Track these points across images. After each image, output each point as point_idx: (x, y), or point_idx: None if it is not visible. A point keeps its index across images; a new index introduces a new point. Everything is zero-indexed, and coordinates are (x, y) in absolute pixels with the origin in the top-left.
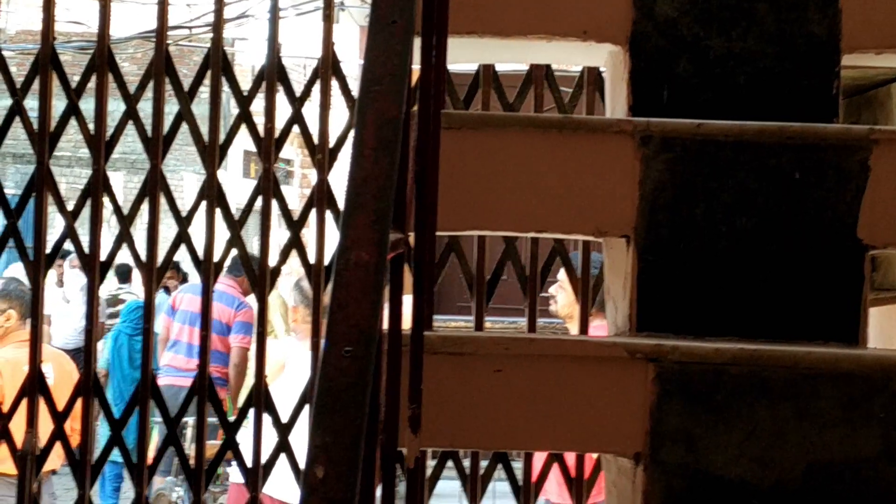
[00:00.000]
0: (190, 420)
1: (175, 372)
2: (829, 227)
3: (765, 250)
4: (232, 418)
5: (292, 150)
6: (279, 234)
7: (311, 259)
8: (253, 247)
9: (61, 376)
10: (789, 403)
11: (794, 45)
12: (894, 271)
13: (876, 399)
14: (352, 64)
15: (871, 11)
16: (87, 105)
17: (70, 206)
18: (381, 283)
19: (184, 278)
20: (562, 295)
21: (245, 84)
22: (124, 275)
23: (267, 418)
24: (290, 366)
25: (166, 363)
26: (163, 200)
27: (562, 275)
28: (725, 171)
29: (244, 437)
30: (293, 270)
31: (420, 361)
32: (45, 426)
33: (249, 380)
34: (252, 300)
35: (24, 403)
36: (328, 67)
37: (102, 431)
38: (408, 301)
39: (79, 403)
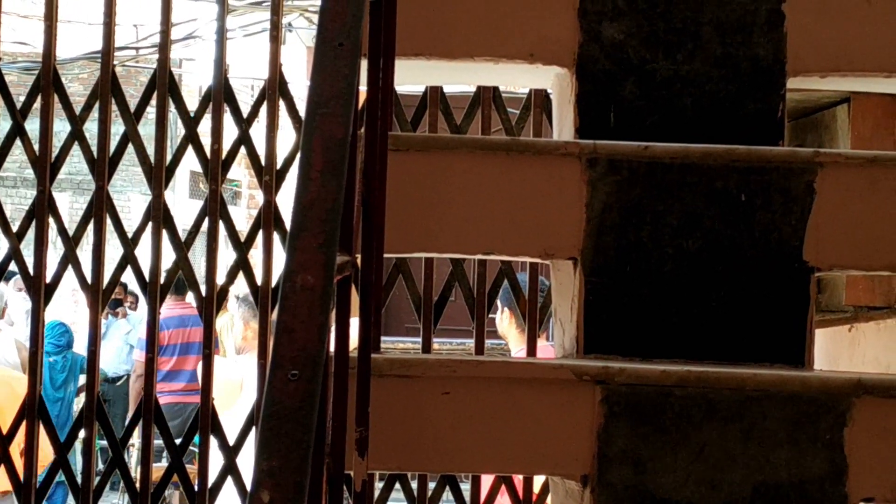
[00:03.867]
0: (136, 442)
1: (183, 394)
2: (775, 250)
3: (711, 272)
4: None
5: (240, 170)
6: (226, 256)
7: (259, 280)
8: (200, 268)
9: (9, 398)
10: (736, 425)
11: (740, 68)
12: (840, 293)
13: (822, 420)
14: (299, 85)
15: (816, 35)
16: (33, 125)
17: (15, 228)
18: (328, 305)
19: (137, 299)
20: (497, 316)
21: (192, 105)
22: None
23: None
24: (250, 386)
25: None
26: (109, 221)
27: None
28: (672, 193)
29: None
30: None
31: (367, 384)
32: None
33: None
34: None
35: None
36: (275, 88)
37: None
38: (355, 323)
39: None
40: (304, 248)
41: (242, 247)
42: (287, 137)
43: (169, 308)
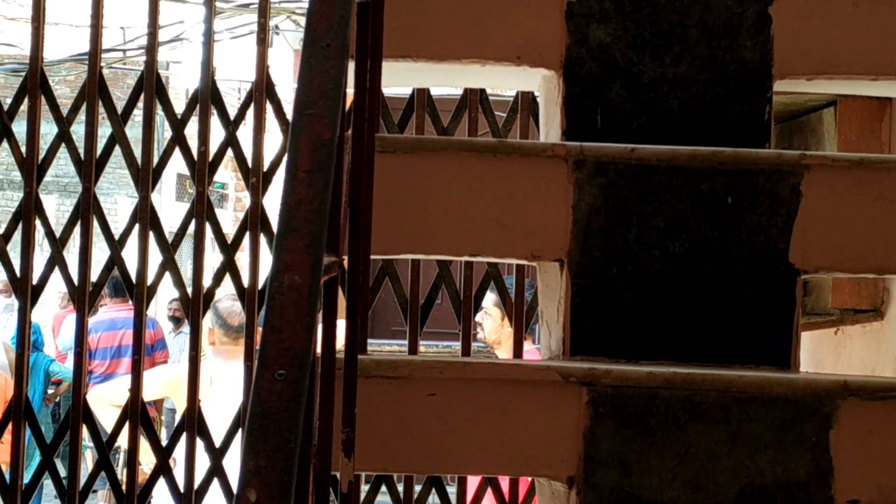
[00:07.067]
0: (123, 444)
1: None
2: (761, 252)
3: (698, 274)
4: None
5: (226, 173)
6: (213, 258)
7: (245, 282)
8: (186, 270)
9: None
10: (722, 427)
11: (727, 71)
12: (826, 296)
13: (807, 423)
14: (286, 87)
15: (803, 38)
16: (20, 127)
17: (1, 229)
18: (315, 306)
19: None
20: (488, 321)
21: (179, 107)
22: None
23: (200, 442)
24: (217, 387)
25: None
26: (96, 223)
27: (487, 301)
28: (658, 195)
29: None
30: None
31: (354, 385)
32: None
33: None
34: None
35: None
36: (262, 91)
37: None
38: (342, 325)
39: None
40: (291, 248)
41: (229, 249)
42: (274, 140)
43: (105, 311)
